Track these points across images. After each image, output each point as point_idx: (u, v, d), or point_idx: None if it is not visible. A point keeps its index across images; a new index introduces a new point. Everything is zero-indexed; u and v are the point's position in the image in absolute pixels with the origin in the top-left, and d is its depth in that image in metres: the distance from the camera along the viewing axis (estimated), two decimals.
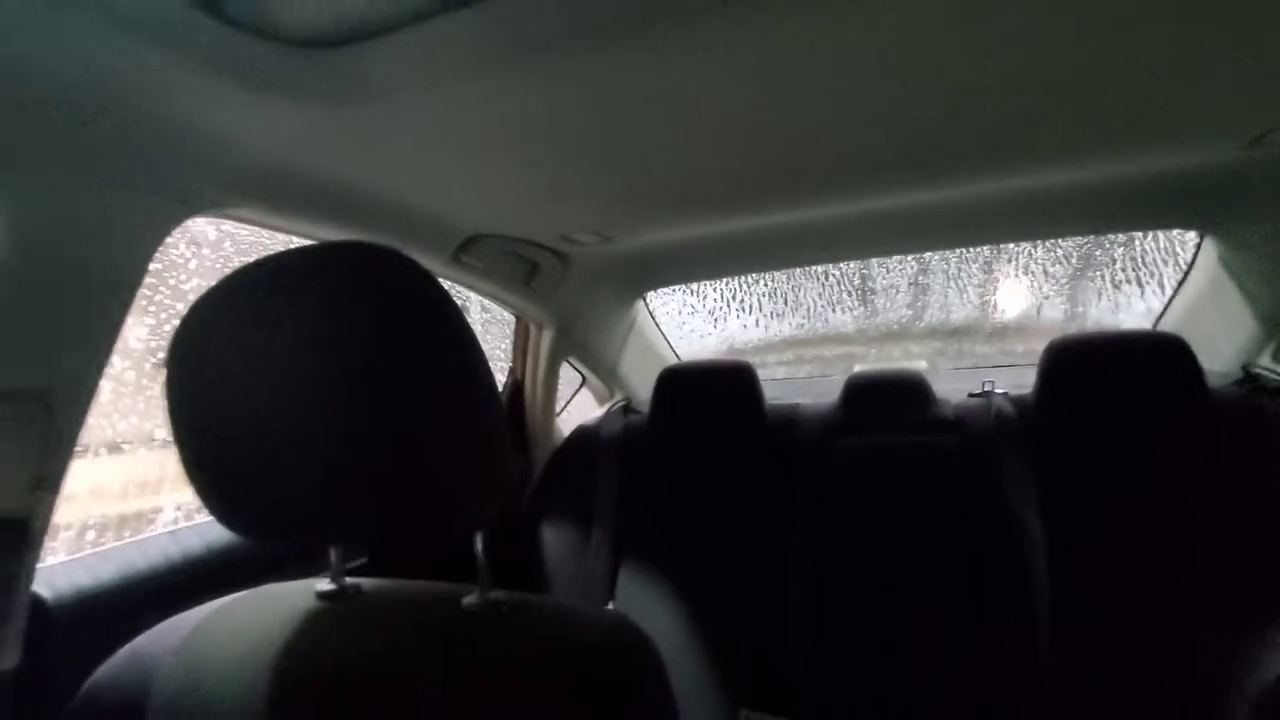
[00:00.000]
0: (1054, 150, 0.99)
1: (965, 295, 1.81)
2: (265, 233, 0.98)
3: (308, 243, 0.76)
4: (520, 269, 1.44)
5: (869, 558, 1.32)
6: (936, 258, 1.74)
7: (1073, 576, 1.17)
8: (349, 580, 0.63)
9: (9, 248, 0.64)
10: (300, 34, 0.64)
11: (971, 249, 1.68)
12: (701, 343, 2.03)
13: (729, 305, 1.92)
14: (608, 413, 1.79)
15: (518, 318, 1.65)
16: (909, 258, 1.75)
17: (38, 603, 0.78)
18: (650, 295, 1.85)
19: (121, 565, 0.89)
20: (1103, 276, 1.62)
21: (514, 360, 1.70)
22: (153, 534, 0.98)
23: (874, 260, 1.78)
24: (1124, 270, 1.58)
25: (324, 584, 0.63)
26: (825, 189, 1.12)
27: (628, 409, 1.80)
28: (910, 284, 1.84)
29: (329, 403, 0.48)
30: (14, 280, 0.65)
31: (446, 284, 0.70)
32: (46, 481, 0.71)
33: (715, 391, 1.53)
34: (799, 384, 1.99)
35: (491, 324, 1.74)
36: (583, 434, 1.75)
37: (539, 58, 0.67)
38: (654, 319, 1.93)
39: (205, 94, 0.67)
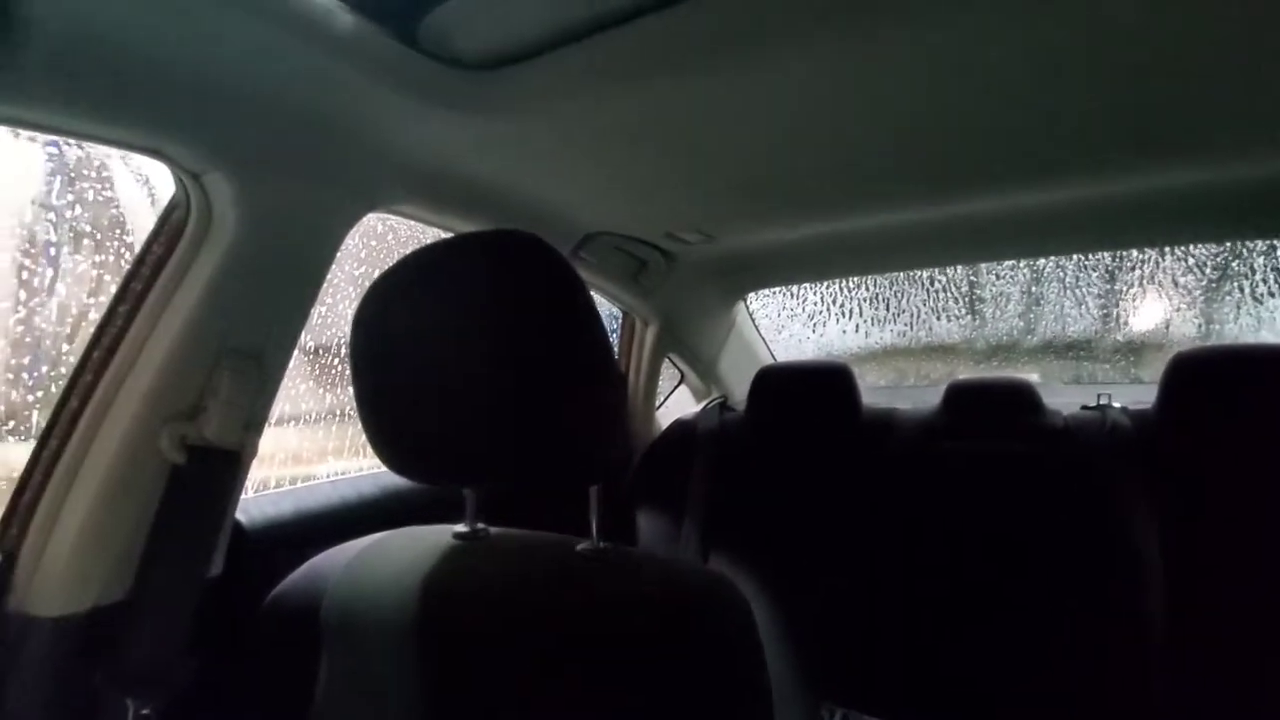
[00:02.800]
0: (1187, 146, 0.94)
1: (1084, 307, 1.73)
2: (418, 226, 1.13)
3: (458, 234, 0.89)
4: (629, 266, 1.53)
5: (963, 563, 1.30)
6: (1052, 265, 1.68)
7: (1190, 599, 1.11)
8: (480, 525, 0.74)
9: (240, 234, 0.80)
10: (473, 58, 0.76)
11: (1091, 256, 1.61)
12: (799, 348, 2.05)
13: (829, 309, 1.94)
14: (705, 409, 1.85)
15: (625, 313, 1.76)
16: (1021, 264, 1.70)
17: (237, 525, 0.95)
18: (750, 298, 1.90)
19: (296, 502, 1.06)
20: (1241, 289, 1.51)
21: (620, 354, 1.80)
22: (318, 482, 1.15)
23: (983, 266, 1.74)
24: (1265, 282, 1.46)
25: (460, 528, 0.74)
26: (936, 189, 1.13)
27: (724, 406, 1.86)
28: (1023, 293, 1.78)
29: (480, 365, 0.59)
30: (242, 260, 0.81)
31: None
32: (254, 424, 0.88)
33: (812, 392, 1.55)
34: (899, 393, 1.97)
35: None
36: (680, 428, 1.82)
37: (668, 70, 0.76)
38: (753, 321, 1.98)
39: (391, 109, 0.80)
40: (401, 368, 0.64)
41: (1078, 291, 1.70)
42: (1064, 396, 1.51)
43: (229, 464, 0.86)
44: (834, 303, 1.93)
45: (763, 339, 2.03)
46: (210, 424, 0.82)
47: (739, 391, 1.91)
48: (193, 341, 0.80)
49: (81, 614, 0.78)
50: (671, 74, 0.76)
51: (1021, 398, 1.45)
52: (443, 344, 0.61)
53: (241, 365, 0.84)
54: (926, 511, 1.37)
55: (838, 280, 1.88)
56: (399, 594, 0.66)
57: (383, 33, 0.70)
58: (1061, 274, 1.68)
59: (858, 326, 1.97)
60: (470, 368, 0.59)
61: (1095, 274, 1.66)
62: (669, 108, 0.84)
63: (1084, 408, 1.43)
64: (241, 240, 0.80)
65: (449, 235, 1.11)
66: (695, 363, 1.91)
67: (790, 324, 2.00)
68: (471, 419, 0.60)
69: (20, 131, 0.74)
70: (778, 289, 1.92)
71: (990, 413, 1.45)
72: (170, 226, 0.81)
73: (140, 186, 0.90)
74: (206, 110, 0.71)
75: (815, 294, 1.93)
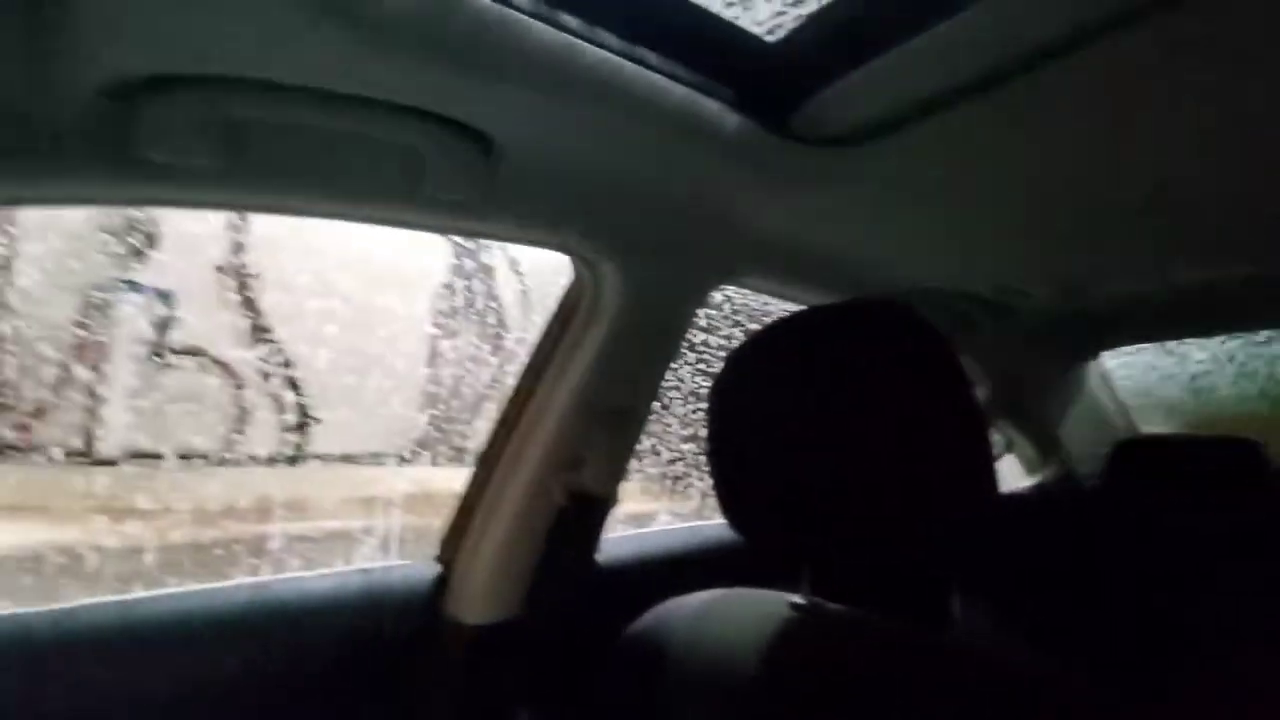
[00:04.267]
0: None
1: None
2: (751, 295, 1.20)
3: (794, 307, 0.92)
4: (953, 323, 1.42)
5: None
6: None
7: None
8: (815, 599, 0.72)
9: (621, 309, 0.92)
10: (835, 137, 0.78)
11: None
12: (1178, 417, 1.67)
13: (1224, 366, 1.55)
14: (1042, 483, 1.61)
15: None
16: None
17: (597, 564, 1.07)
18: (1106, 355, 1.61)
19: (643, 546, 1.18)
20: None
21: None
22: (666, 528, 1.26)
23: None
24: None
25: (796, 599, 0.73)
26: None
27: (1068, 479, 1.59)
28: None
29: (840, 434, 0.58)
30: (621, 331, 0.94)
31: None
32: (620, 474, 1.00)
33: (1204, 470, 1.25)
34: None
35: None
36: (1013, 504, 1.61)
37: (1028, 134, 0.70)
38: (1108, 382, 1.67)
39: (755, 190, 0.86)
40: (759, 433, 0.66)
41: None
42: None
43: (599, 509, 0.99)
44: (1230, 359, 1.54)
45: (1121, 403, 1.70)
46: (588, 474, 0.95)
47: (1088, 461, 1.63)
48: (580, 403, 0.94)
49: (491, 625, 0.95)
50: (1031, 137, 0.73)
51: None
52: (803, 413, 0.62)
53: (613, 423, 0.96)
54: None
55: (1226, 335, 1.50)
56: (741, 660, 0.67)
57: (757, 126, 0.76)
58: None
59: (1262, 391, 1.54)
60: (830, 437, 0.59)
61: None
62: (1023, 166, 0.78)
63: None
64: (622, 314, 0.93)
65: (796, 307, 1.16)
66: (1029, 430, 1.67)
67: (1166, 385, 1.64)
68: (826, 486, 0.60)
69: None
70: (1143, 345, 1.60)
71: None
72: (567, 306, 0.97)
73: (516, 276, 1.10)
74: (604, 207, 0.84)
75: (1204, 350, 1.56)
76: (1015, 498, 1.61)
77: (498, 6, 0.54)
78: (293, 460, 3.14)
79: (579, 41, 0.59)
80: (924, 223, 0.99)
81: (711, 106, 0.71)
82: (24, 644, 0.72)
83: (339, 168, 0.64)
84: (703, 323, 1.25)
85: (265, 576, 0.88)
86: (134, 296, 2.73)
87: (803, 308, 0.70)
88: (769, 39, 0.71)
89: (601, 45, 0.61)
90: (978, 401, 0.58)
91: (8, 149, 0.51)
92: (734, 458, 0.70)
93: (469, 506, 1.00)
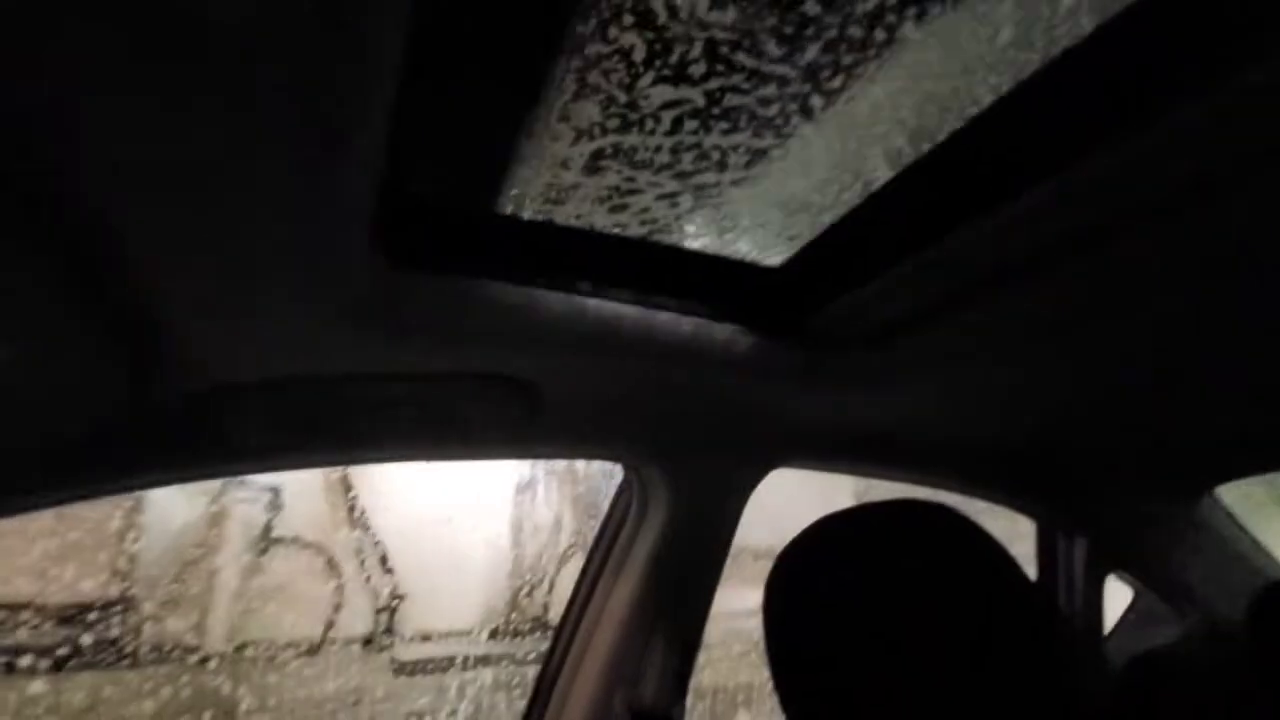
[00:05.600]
0: None
1: None
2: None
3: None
4: (1039, 477, 1.34)
5: None
6: None
7: None
8: None
9: (670, 511, 0.94)
10: (862, 338, 0.81)
11: None
12: None
13: None
14: (1183, 639, 1.40)
15: (1040, 529, 1.50)
16: None
17: None
18: (1224, 489, 1.45)
19: None
20: None
21: (1038, 572, 1.51)
22: None
23: None
24: None
25: None
26: None
27: (1213, 635, 1.38)
28: None
29: (906, 646, 0.55)
30: (672, 532, 0.94)
31: None
32: (682, 688, 0.96)
33: None
34: None
35: None
36: (1144, 669, 1.39)
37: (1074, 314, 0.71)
38: (1233, 518, 1.48)
39: (772, 393, 0.89)
40: (818, 642, 0.64)
41: None
42: None
43: None
44: None
45: (1253, 539, 1.49)
46: (649, 689, 0.92)
47: (1228, 609, 1.41)
48: (636, 611, 0.93)
49: None
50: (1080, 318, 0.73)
51: None
52: (864, 623, 0.60)
53: (671, 631, 0.94)
54: None
55: None
56: None
57: (770, 339, 0.80)
58: None
59: None
60: (893, 646, 0.57)
61: None
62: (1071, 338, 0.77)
63: None
64: (672, 514, 0.94)
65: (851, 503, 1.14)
66: (1150, 579, 1.48)
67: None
68: (894, 699, 0.56)
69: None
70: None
71: None
72: (619, 509, 0.99)
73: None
74: (643, 422, 0.89)
75: None
76: (1154, 660, 1.40)
77: (521, 288, 0.62)
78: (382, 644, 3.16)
79: (598, 301, 0.67)
80: (959, 398, 0.98)
81: (726, 330, 0.77)
82: None
83: (393, 426, 0.72)
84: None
85: None
86: (246, 493, 2.99)
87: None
88: (772, 263, 0.77)
89: (617, 299, 0.68)
90: (1043, 599, 0.56)
91: (118, 444, 0.61)
92: (791, 655, 0.67)
93: (540, 710, 0.97)
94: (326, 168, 0.38)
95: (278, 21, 0.28)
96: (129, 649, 2.70)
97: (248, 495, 3.00)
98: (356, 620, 3.18)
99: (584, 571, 1.01)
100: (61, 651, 2.46)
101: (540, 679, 1.00)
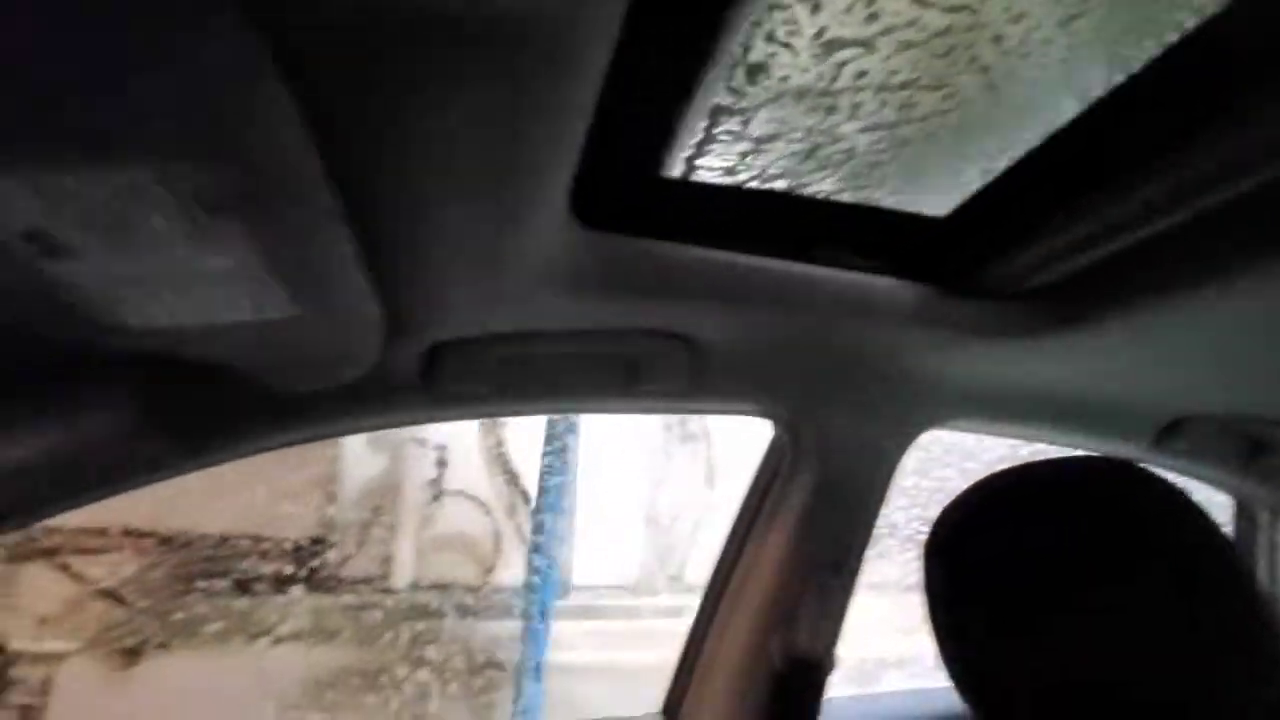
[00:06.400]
0: None
1: None
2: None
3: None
4: (1239, 448, 1.19)
5: None
6: None
7: None
8: None
9: (823, 466, 0.95)
10: (1034, 288, 0.77)
11: None
12: None
13: None
14: None
15: (1240, 504, 1.34)
16: None
17: None
18: None
19: (863, 714, 1.11)
20: None
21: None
22: (882, 692, 1.18)
23: None
24: None
25: None
26: None
27: None
28: None
29: (1090, 609, 0.54)
30: (825, 487, 0.96)
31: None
32: (835, 636, 0.98)
33: None
34: None
35: None
36: None
37: None
38: None
39: (938, 346, 0.86)
40: (988, 597, 0.63)
41: None
42: None
43: (817, 672, 0.97)
44: None
45: None
46: (803, 634, 0.95)
47: None
48: (788, 561, 0.97)
49: None
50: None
51: None
52: (1042, 581, 0.59)
53: (824, 580, 0.96)
54: None
55: None
56: None
57: (938, 292, 0.78)
58: None
59: None
60: (1074, 608, 0.55)
61: None
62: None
63: None
64: (824, 471, 0.95)
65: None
66: None
67: None
68: (1071, 664, 0.55)
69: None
70: None
71: None
72: (769, 466, 1.02)
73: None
74: (799, 377, 0.91)
75: None
76: None
77: (689, 248, 0.67)
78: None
79: (762, 259, 0.69)
80: (1177, 352, 0.89)
81: (890, 284, 0.76)
82: None
83: (572, 377, 0.80)
84: (911, 465, 1.21)
85: None
86: (419, 450, 3.36)
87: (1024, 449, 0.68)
88: (940, 214, 0.75)
89: (780, 256, 0.71)
90: (1232, 552, 0.53)
91: (349, 392, 0.74)
92: (959, 621, 0.67)
93: (689, 664, 1.04)
94: (533, 144, 0.44)
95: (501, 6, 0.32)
96: (331, 580, 3.16)
97: (420, 452, 3.37)
98: (511, 569, 3.48)
99: (735, 524, 1.05)
100: (283, 575, 2.93)
101: (694, 626, 1.06)
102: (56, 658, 2.19)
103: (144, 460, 0.67)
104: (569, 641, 3.10)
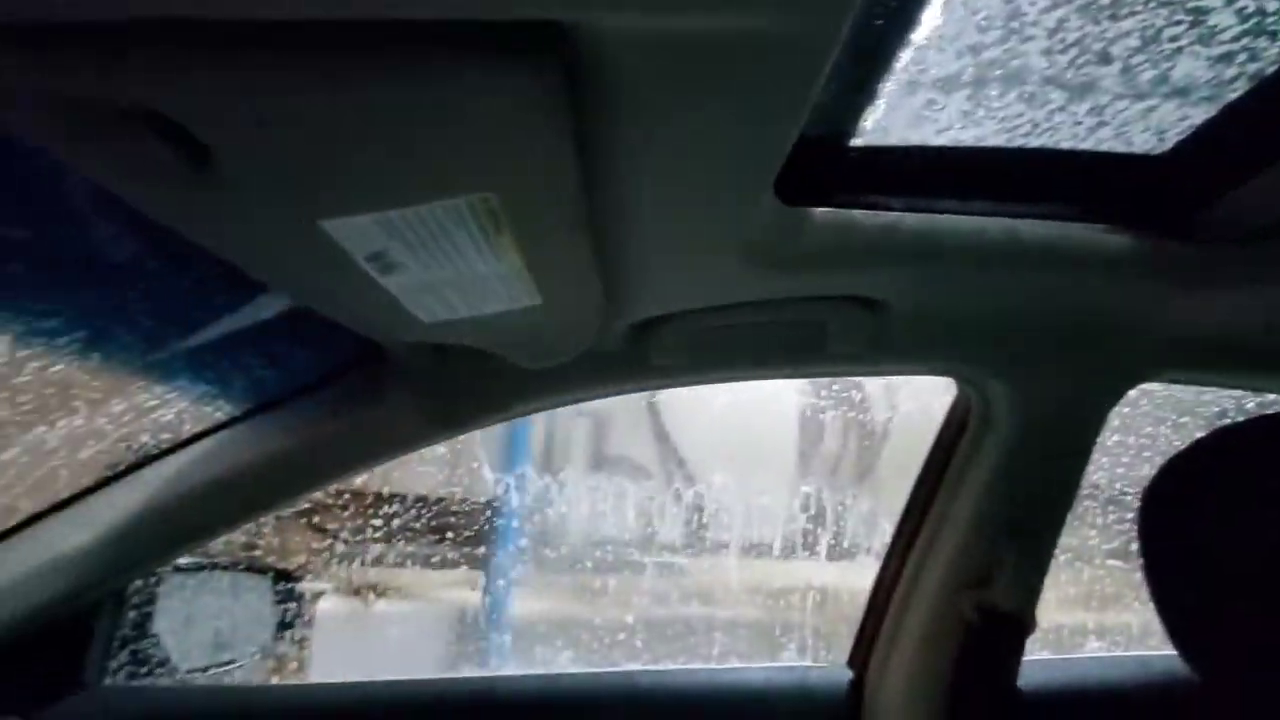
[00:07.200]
0: None
1: None
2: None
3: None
4: None
5: None
6: None
7: None
8: None
9: (1015, 424, 0.92)
10: (1230, 236, 0.70)
11: None
12: None
13: None
14: None
15: None
16: None
17: (1016, 691, 1.02)
18: None
19: (1066, 675, 1.07)
20: None
21: None
22: (1086, 656, 1.13)
23: None
24: None
25: None
26: None
27: None
28: None
29: None
30: (1020, 446, 0.93)
31: None
32: (1035, 594, 0.96)
33: None
34: None
35: None
36: None
37: None
38: None
39: (1150, 296, 0.80)
40: (1211, 556, 0.61)
41: None
42: None
43: (1015, 630, 0.96)
44: None
45: None
46: (999, 591, 0.94)
47: None
48: (981, 518, 0.95)
49: None
50: None
51: None
52: (1261, 534, 0.55)
53: (1021, 537, 0.94)
54: None
55: None
56: None
57: (1151, 236, 0.73)
58: None
59: None
60: None
61: None
62: None
63: None
64: (1017, 429, 0.92)
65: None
66: None
67: None
68: None
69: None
70: None
71: None
72: (953, 424, 1.01)
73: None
74: (992, 334, 0.87)
75: None
76: None
77: (882, 213, 0.67)
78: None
79: (957, 216, 0.68)
80: None
81: (1097, 230, 0.72)
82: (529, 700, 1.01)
83: (764, 345, 0.84)
84: (1115, 422, 1.13)
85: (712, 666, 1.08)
86: (580, 420, 3.60)
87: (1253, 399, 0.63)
88: (1155, 153, 0.70)
89: (978, 212, 0.69)
90: None
91: (569, 368, 0.83)
92: (1179, 581, 0.65)
93: (875, 619, 1.07)
94: (751, 142, 0.47)
95: None
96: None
97: (580, 422, 3.60)
98: (670, 529, 3.64)
99: (918, 482, 1.05)
100: (470, 531, 3.30)
101: (878, 582, 1.08)
102: (315, 595, 2.68)
103: (415, 432, 0.81)
104: None
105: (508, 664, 3.09)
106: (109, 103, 0.32)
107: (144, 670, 0.97)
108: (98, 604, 0.94)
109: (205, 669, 1.01)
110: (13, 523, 0.84)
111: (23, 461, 0.84)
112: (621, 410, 3.61)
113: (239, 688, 1.05)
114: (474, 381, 0.80)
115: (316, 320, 0.63)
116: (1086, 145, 0.69)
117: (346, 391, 0.79)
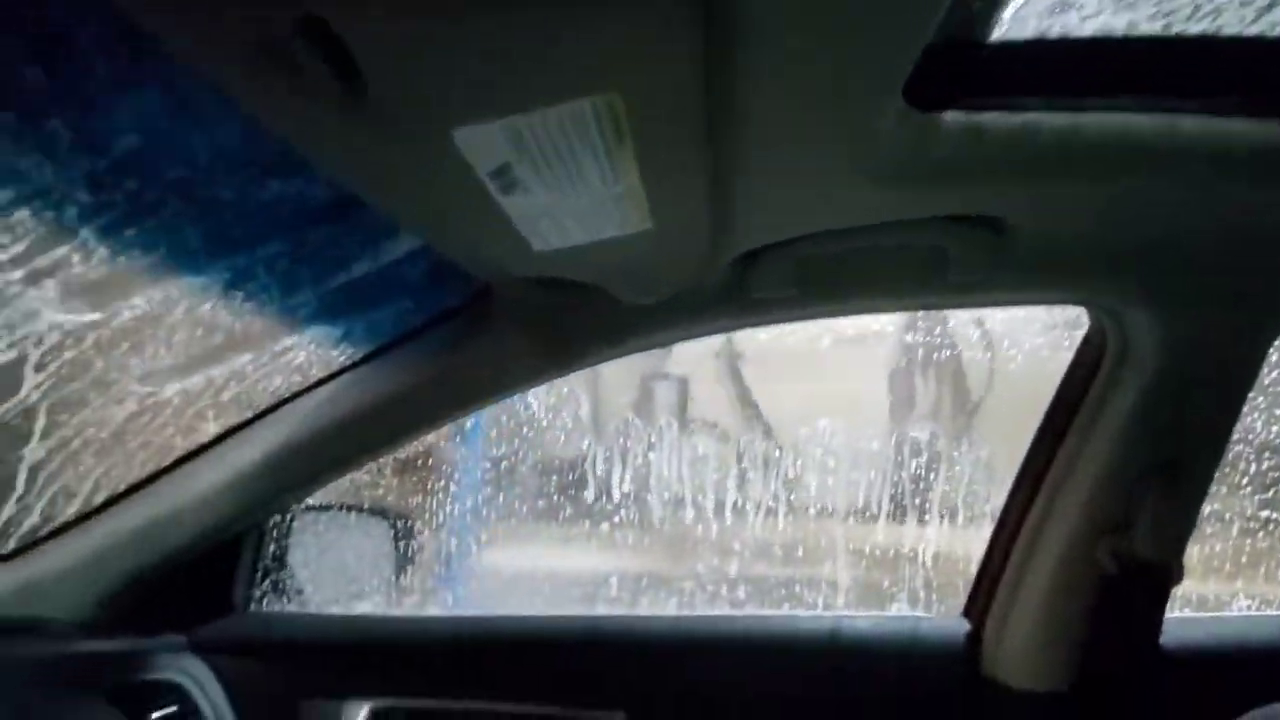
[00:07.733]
0: None
1: None
2: None
3: None
4: None
5: None
6: None
7: None
8: None
9: (1160, 360, 0.83)
10: None
11: None
12: None
13: None
14: None
15: None
16: None
17: (1158, 647, 0.94)
18: None
19: (1214, 634, 0.98)
20: None
21: None
22: (1236, 615, 1.04)
23: None
24: None
25: None
26: None
27: None
28: None
29: None
30: (1164, 382, 0.84)
31: None
32: (1181, 541, 0.88)
33: None
34: None
35: None
36: None
37: None
38: None
39: None
40: None
41: None
42: None
43: (1159, 581, 0.88)
44: None
45: None
46: (1139, 539, 0.86)
47: None
48: (1118, 461, 0.88)
49: (1040, 693, 0.92)
50: None
51: None
52: None
53: (1165, 481, 0.86)
54: None
55: None
56: None
57: None
58: None
59: None
60: None
61: None
62: None
63: None
64: (1161, 365, 0.84)
65: None
66: None
67: None
68: None
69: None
70: None
71: None
72: (1086, 358, 0.93)
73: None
74: (1130, 255, 0.79)
75: None
76: None
77: (1016, 115, 0.61)
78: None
79: (1102, 115, 0.61)
80: None
81: (1268, 126, 0.63)
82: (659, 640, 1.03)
83: (878, 274, 0.79)
84: (1273, 358, 1.01)
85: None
86: (664, 383, 3.61)
87: None
88: None
89: (1124, 109, 0.62)
90: None
91: (670, 304, 0.81)
92: None
93: (994, 567, 1.01)
94: (881, 42, 0.43)
95: None
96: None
97: (665, 383, 3.61)
98: (754, 493, 3.62)
99: (1044, 424, 0.98)
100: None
101: (997, 530, 1.02)
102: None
103: (525, 370, 0.83)
104: None
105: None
106: (277, 22, 0.33)
107: (284, 598, 1.07)
108: (242, 536, 1.03)
109: (335, 599, 1.09)
110: (168, 461, 0.93)
111: (175, 404, 0.93)
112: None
113: (367, 617, 1.13)
114: (579, 320, 0.80)
115: (433, 266, 0.65)
116: (1255, 29, 0.61)
117: (460, 332, 0.81)
